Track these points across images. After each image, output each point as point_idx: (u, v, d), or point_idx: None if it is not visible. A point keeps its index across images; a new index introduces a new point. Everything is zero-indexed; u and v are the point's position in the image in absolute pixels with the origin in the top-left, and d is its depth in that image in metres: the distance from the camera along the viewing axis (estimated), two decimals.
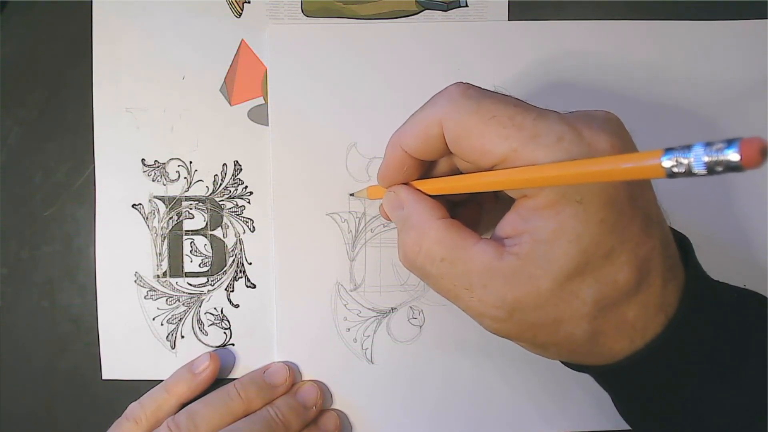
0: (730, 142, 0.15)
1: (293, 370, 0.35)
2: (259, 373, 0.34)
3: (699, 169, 0.16)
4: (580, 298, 0.22)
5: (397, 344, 0.36)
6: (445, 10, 0.36)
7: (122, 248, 0.36)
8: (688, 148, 0.16)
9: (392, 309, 0.36)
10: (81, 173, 0.36)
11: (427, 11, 0.36)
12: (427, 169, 0.27)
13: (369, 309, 0.36)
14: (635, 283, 0.22)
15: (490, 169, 0.23)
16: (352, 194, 0.35)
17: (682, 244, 0.25)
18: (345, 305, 0.35)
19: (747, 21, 0.35)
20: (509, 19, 0.36)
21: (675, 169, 0.17)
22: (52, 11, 0.36)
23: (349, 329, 0.35)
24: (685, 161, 0.16)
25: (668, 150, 0.17)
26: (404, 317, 0.36)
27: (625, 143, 0.22)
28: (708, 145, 0.16)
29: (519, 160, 0.21)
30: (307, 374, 0.35)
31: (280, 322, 0.35)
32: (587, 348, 0.23)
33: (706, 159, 0.16)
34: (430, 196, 0.27)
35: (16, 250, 0.36)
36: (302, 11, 0.36)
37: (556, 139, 0.21)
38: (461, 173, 0.27)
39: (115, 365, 0.36)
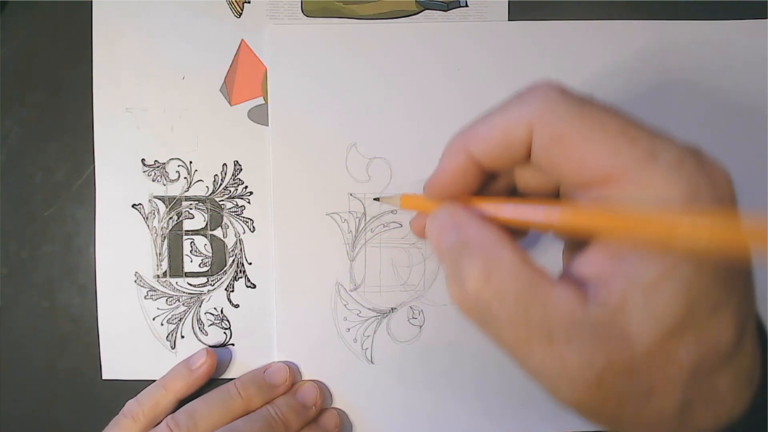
0: None
1: (293, 369, 0.35)
2: (259, 373, 0.34)
3: None
4: (677, 362, 0.18)
5: (397, 344, 0.36)
6: (445, 10, 0.36)
7: (122, 248, 0.36)
8: None
9: (392, 309, 0.36)
10: (81, 173, 0.36)
11: (427, 11, 0.36)
12: (485, 182, 0.23)
13: (369, 309, 0.36)
14: (734, 345, 0.18)
15: (580, 186, 0.19)
16: (377, 198, 0.34)
17: None
18: (345, 305, 0.35)
19: (747, 21, 0.35)
20: (509, 19, 0.36)
21: None
22: (52, 11, 0.36)
23: (349, 329, 0.35)
24: None
25: None
26: (404, 317, 0.36)
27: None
28: None
29: (628, 181, 0.18)
30: (307, 374, 0.35)
31: (280, 322, 0.35)
32: (671, 426, 0.19)
33: None
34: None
35: (16, 250, 0.36)
36: (302, 11, 0.36)
37: (677, 162, 0.18)
38: (516, 192, 0.23)
39: (115, 365, 0.36)
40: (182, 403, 0.34)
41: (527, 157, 0.20)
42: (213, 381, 0.35)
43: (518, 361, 0.20)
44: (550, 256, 0.34)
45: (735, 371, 0.19)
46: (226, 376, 0.36)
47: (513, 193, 0.23)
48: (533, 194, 0.23)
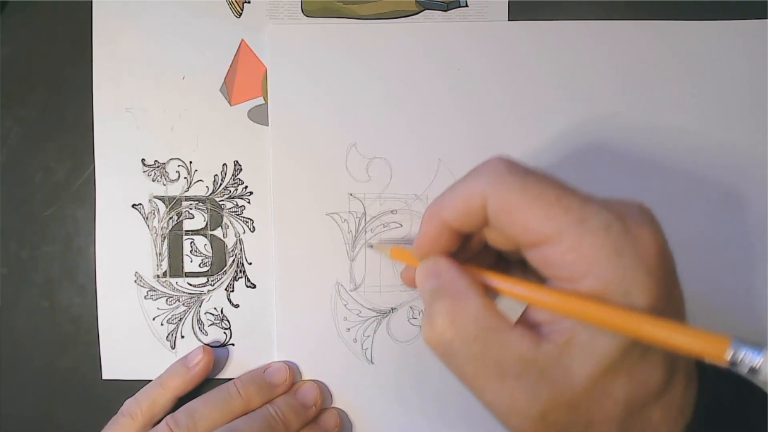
0: None
1: (293, 369, 0.35)
2: (259, 372, 0.34)
3: (762, 377, 0.16)
4: (612, 397, 0.21)
5: (397, 344, 0.36)
6: (445, 10, 0.36)
7: (122, 248, 0.36)
8: (759, 348, 0.17)
9: (392, 309, 0.36)
10: (81, 173, 0.36)
11: (427, 11, 0.36)
12: (462, 242, 0.26)
13: (369, 309, 0.36)
14: (664, 384, 0.21)
15: (528, 245, 0.22)
16: (371, 246, 0.35)
17: None
18: (345, 305, 0.35)
19: (747, 21, 0.35)
20: (509, 19, 0.36)
21: (738, 365, 0.17)
22: (52, 11, 0.36)
23: (349, 329, 0.35)
24: (751, 362, 0.17)
25: (737, 340, 0.17)
26: (404, 317, 0.36)
27: (662, 236, 0.22)
28: None
29: (564, 243, 0.21)
30: (307, 374, 0.35)
31: (280, 322, 0.35)
32: None
33: None
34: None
35: (16, 250, 0.36)
36: (302, 11, 0.36)
37: (603, 227, 0.21)
38: (487, 248, 0.27)
39: (115, 365, 0.36)
40: (180, 401, 0.34)
41: (487, 221, 0.24)
42: (213, 381, 0.35)
43: (475, 393, 0.23)
44: None
45: (667, 405, 0.22)
46: (226, 375, 0.36)
47: (485, 248, 0.27)
48: (501, 249, 0.26)
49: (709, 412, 0.23)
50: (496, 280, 0.24)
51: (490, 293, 0.24)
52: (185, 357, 0.35)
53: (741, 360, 0.17)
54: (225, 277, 0.36)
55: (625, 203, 0.23)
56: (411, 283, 0.28)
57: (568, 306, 0.21)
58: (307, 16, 0.36)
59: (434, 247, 0.26)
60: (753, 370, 0.17)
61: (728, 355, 0.17)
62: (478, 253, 0.27)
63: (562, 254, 0.21)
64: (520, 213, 0.22)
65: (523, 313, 0.24)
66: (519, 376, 0.21)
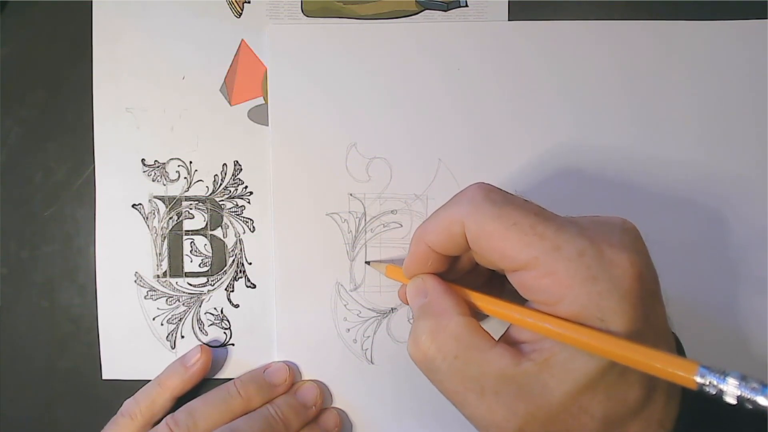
0: (765, 386, 0.17)
1: (293, 369, 0.35)
2: (259, 372, 0.34)
3: (730, 399, 0.17)
4: (590, 413, 0.22)
5: (397, 344, 0.36)
6: (445, 10, 0.36)
7: (122, 248, 0.36)
8: (723, 375, 0.18)
9: (392, 309, 0.36)
10: (81, 173, 0.36)
11: (427, 11, 0.36)
12: (452, 262, 0.28)
13: (369, 309, 0.36)
14: (642, 400, 0.22)
15: (506, 269, 0.23)
16: (368, 262, 0.35)
17: (677, 347, 0.25)
18: (345, 305, 0.35)
19: (747, 21, 0.35)
20: (509, 19, 0.36)
21: (706, 388, 0.18)
22: (52, 11, 0.36)
23: (349, 329, 0.35)
24: (717, 385, 0.18)
25: (703, 367, 0.18)
26: (404, 317, 0.36)
27: (643, 259, 0.22)
28: (743, 379, 0.17)
29: (539, 269, 0.22)
30: (307, 374, 0.35)
31: (280, 322, 0.35)
32: None
33: (738, 393, 0.17)
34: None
35: (16, 250, 0.36)
36: (302, 11, 0.36)
37: (577, 254, 0.21)
38: (479, 266, 0.28)
39: (115, 365, 0.36)
40: (179, 400, 0.34)
41: (469, 246, 0.25)
42: (213, 381, 0.35)
43: (457, 407, 0.24)
44: None
45: (646, 421, 0.22)
46: (226, 375, 0.36)
47: (474, 267, 0.28)
48: (489, 267, 0.27)
49: (693, 426, 0.23)
50: (479, 301, 0.26)
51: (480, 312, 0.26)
52: (183, 356, 0.35)
53: (709, 384, 0.18)
54: (225, 277, 0.36)
55: (606, 223, 0.23)
56: (405, 300, 0.29)
57: (543, 327, 0.22)
58: (307, 16, 0.36)
59: (422, 268, 0.27)
60: (721, 392, 0.18)
61: (695, 381, 0.18)
62: (471, 270, 0.28)
63: (538, 279, 0.22)
64: (497, 240, 0.23)
65: (507, 331, 0.25)
66: (498, 392, 0.22)
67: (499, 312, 0.25)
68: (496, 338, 0.25)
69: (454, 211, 0.24)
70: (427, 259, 0.27)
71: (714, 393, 0.18)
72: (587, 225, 0.23)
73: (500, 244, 0.23)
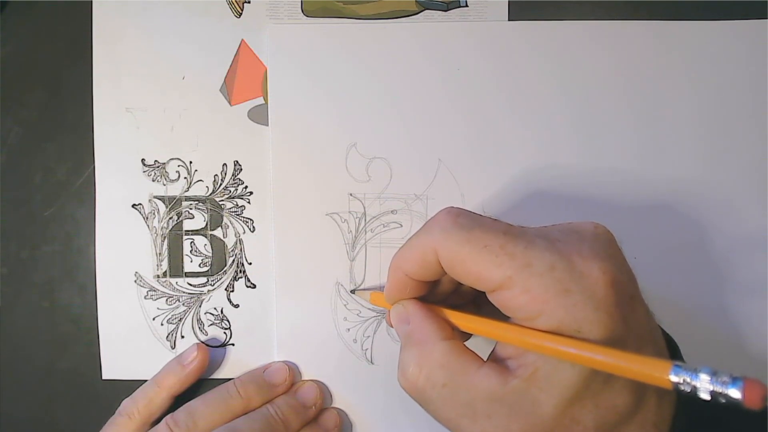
0: (734, 379, 0.17)
1: (293, 369, 0.35)
2: (259, 372, 0.34)
3: (704, 395, 0.18)
4: (582, 424, 0.22)
5: (397, 344, 0.35)
6: (445, 10, 0.36)
7: (122, 248, 0.36)
8: (695, 371, 0.18)
9: None
10: (81, 173, 0.36)
11: (427, 11, 0.36)
12: (431, 285, 0.28)
13: (369, 309, 0.36)
14: (633, 405, 0.22)
15: (485, 290, 0.24)
16: (353, 291, 0.35)
17: (670, 346, 0.25)
18: (345, 305, 0.35)
19: (747, 21, 0.35)
20: (509, 19, 0.36)
21: (681, 387, 0.18)
22: (52, 11, 0.36)
23: (349, 329, 0.35)
24: (691, 382, 0.18)
25: (676, 366, 0.18)
26: None
27: (615, 264, 0.23)
28: (714, 374, 0.17)
29: (515, 288, 0.22)
30: (307, 374, 0.35)
31: (280, 322, 0.35)
32: None
33: (711, 388, 0.17)
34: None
35: (16, 250, 0.36)
36: (302, 11, 0.36)
37: (548, 269, 0.22)
38: (462, 287, 0.28)
39: (115, 365, 0.36)
40: (177, 399, 0.34)
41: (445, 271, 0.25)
42: (212, 381, 0.35)
43: None
44: None
45: (641, 424, 0.22)
46: (226, 375, 0.36)
47: (458, 287, 0.28)
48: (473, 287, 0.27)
49: (690, 426, 0.23)
50: (459, 320, 0.26)
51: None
52: (180, 355, 0.35)
53: (683, 382, 0.18)
54: (225, 277, 0.36)
55: (576, 231, 0.24)
56: (392, 325, 0.29)
57: (522, 341, 0.22)
58: (307, 16, 0.36)
59: (402, 294, 0.27)
60: (695, 389, 0.18)
61: (670, 380, 0.18)
62: (455, 290, 0.29)
63: (515, 297, 0.22)
64: (470, 265, 0.23)
65: (494, 348, 0.25)
66: (489, 415, 0.22)
67: (479, 329, 0.25)
68: (485, 355, 0.25)
69: (426, 239, 0.25)
70: (405, 286, 0.27)
71: (689, 391, 0.18)
72: (557, 236, 0.23)
73: (474, 267, 0.23)
